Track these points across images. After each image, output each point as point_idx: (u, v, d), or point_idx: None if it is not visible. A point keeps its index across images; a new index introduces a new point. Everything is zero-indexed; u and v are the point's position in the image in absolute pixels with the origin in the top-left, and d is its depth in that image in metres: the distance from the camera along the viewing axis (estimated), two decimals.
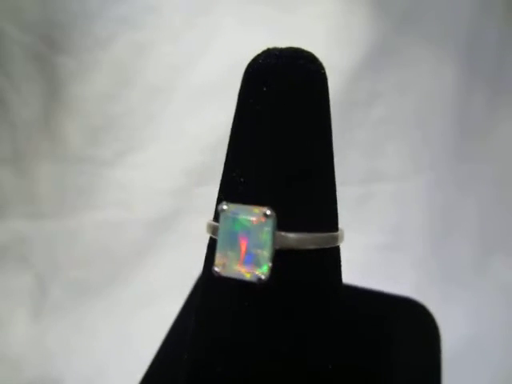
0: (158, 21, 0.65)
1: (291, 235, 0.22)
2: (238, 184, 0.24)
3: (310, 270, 0.24)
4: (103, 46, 0.65)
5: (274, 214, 0.22)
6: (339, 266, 0.26)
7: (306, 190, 0.24)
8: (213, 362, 0.24)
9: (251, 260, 0.22)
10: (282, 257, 0.22)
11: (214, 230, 0.24)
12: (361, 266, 0.70)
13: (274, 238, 0.22)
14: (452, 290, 0.72)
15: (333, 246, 0.25)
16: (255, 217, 0.22)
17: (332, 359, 0.25)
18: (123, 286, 0.69)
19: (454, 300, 0.71)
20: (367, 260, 0.70)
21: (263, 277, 0.21)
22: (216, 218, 0.26)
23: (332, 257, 0.25)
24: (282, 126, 0.24)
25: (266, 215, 0.22)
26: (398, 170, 0.73)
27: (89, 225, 0.68)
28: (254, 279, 0.21)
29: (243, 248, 0.22)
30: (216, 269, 0.22)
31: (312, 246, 0.23)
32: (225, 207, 0.23)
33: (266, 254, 0.21)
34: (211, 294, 0.25)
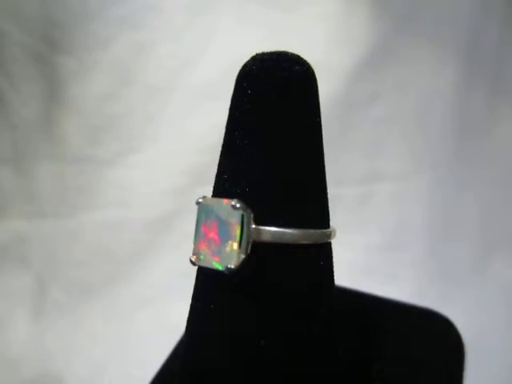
0: (158, 21, 0.65)
1: (266, 229, 0.23)
2: (224, 182, 0.26)
3: (295, 265, 0.24)
4: (103, 46, 0.65)
5: (243, 206, 0.22)
6: (328, 264, 0.26)
7: (294, 189, 0.24)
8: (202, 357, 0.25)
9: (222, 251, 0.23)
10: (266, 250, 0.23)
11: None
12: (361, 266, 0.70)
13: (247, 230, 0.22)
14: (452, 290, 0.72)
15: (316, 242, 0.25)
16: (225, 209, 0.23)
17: (325, 361, 0.25)
18: (123, 286, 0.69)
19: (454, 300, 0.71)
20: (367, 260, 0.70)
21: (232, 266, 0.22)
22: None
23: (320, 254, 0.25)
24: (267, 128, 0.24)
25: (234, 207, 0.22)
26: (398, 169, 0.73)
27: (89, 225, 0.68)
28: (223, 269, 0.22)
29: (215, 239, 0.23)
30: (191, 258, 0.24)
31: (289, 241, 0.23)
32: (200, 200, 0.24)
33: (235, 245, 0.22)
34: (200, 290, 0.27)
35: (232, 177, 0.25)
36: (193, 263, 0.24)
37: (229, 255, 0.22)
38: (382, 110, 0.72)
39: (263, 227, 0.23)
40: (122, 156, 0.68)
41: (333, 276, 0.27)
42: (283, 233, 0.23)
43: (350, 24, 0.68)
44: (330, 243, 0.26)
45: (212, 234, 0.23)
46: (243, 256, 0.22)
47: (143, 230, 0.69)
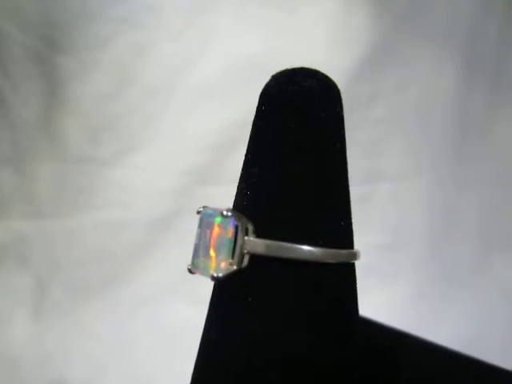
0: (158, 21, 0.65)
1: (259, 241, 0.23)
2: (238, 195, 0.26)
3: (298, 283, 0.23)
4: (103, 46, 0.65)
5: (235, 216, 0.22)
6: (339, 285, 0.25)
7: (307, 203, 0.24)
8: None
9: (212, 258, 0.23)
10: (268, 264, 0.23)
11: None
12: (361, 266, 0.70)
13: (239, 240, 0.22)
14: (452, 290, 0.73)
15: (320, 260, 0.23)
16: (219, 218, 0.23)
17: None
18: (123, 285, 0.69)
19: (454, 300, 0.71)
20: (367, 260, 0.70)
21: (216, 274, 0.22)
22: None
23: (331, 274, 0.24)
24: (275, 145, 0.24)
25: (223, 215, 0.22)
26: (398, 169, 0.73)
27: (89, 225, 0.68)
28: (209, 276, 0.22)
29: (210, 248, 0.23)
30: (188, 266, 0.24)
31: (285, 255, 0.22)
32: (200, 209, 0.25)
33: (224, 253, 0.22)
34: (216, 299, 0.26)
35: (243, 189, 0.25)
36: (190, 271, 0.24)
37: (219, 264, 0.23)
38: (382, 109, 0.72)
39: (258, 239, 0.23)
40: (122, 156, 0.68)
41: (350, 305, 0.25)
42: (279, 246, 0.22)
43: (350, 24, 0.68)
44: (348, 265, 0.25)
45: (207, 243, 0.24)
46: (234, 266, 0.22)
47: (143, 230, 0.69)
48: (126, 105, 0.67)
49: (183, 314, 0.65)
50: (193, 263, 0.24)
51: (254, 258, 0.23)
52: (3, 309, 0.66)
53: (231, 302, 0.24)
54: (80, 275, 0.68)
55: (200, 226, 0.24)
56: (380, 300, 0.69)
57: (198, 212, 0.25)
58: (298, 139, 0.24)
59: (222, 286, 0.25)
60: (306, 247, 0.23)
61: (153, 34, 0.65)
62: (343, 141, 0.26)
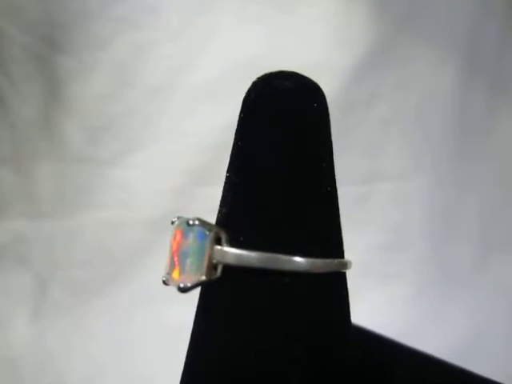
0: (158, 21, 0.65)
1: (230, 250, 0.21)
2: (220, 205, 0.25)
3: (277, 294, 0.22)
4: (103, 46, 0.65)
5: (199, 224, 0.22)
6: (326, 297, 0.24)
7: (283, 212, 0.23)
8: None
9: (180, 269, 0.22)
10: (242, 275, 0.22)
11: None
12: (361, 266, 0.70)
13: (207, 249, 0.21)
14: (452, 289, 0.73)
15: (305, 271, 0.22)
16: (188, 227, 0.22)
17: None
18: (123, 286, 0.69)
19: (454, 300, 0.71)
20: (367, 260, 0.70)
21: (184, 285, 0.21)
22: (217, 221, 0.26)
23: (318, 285, 0.23)
24: (254, 151, 0.24)
25: (188, 224, 0.22)
26: (398, 169, 0.73)
27: (89, 225, 0.68)
28: (176, 286, 0.22)
29: (176, 257, 0.23)
30: (163, 278, 0.24)
31: (255, 265, 0.21)
32: (174, 219, 0.24)
33: (189, 263, 0.22)
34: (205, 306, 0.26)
35: (224, 197, 0.25)
36: (164, 283, 0.23)
37: (185, 275, 0.22)
38: (382, 109, 0.72)
39: (228, 249, 0.22)
40: (122, 156, 0.68)
41: (340, 317, 0.24)
42: (249, 256, 0.21)
43: (350, 24, 0.68)
44: (337, 275, 0.24)
45: (177, 253, 0.23)
46: (203, 277, 0.21)
47: (143, 230, 0.69)
48: (126, 105, 0.67)
49: (183, 314, 0.65)
50: (167, 274, 0.23)
51: (231, 268, 0.22)
52: (3, 309, 0.66)
53: (209, 315, 0.24)
54: (80, 275, 0.68)
55: (173, 235, 0.24)
56: (380, 300, 0.69)
57: (172, 222, 0.24)
58: (277, 146, 0.23)
59: (202, 298, 0.25)
60: (286, 257, 0.21)
61: (153, 34, 0.65)
62: (328, 143, 0.25)
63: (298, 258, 0.22)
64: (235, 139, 0.25)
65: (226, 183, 0.25)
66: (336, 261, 0.24)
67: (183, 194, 0.68)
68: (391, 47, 0.70)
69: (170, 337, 0.66)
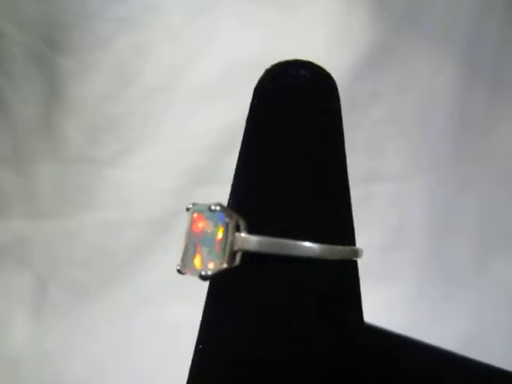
0: (158, 21, 0.65)
1: (251, 237, 0.21)
2: (231, 193, 0.25)
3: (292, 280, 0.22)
4: (103, 46, 0.65)
5: (221, 210, 0.21)
6: (340, 284, 0.24)
7: (298, 199, 0.23)
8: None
9: (201, 256, 0.22)
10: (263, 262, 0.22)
11: None
12: (361, 266, 0.70)
13: (229, 236, 0.21)
14: (452, 289, 0.73)
15: (317, 257, 0.22)
16: (207, 213, 0.22)
17: None
18: (123, 286, 0.69)
19: (454, 300, 0.71)
20: (367, 260, 0.70)
21: (205, 273, 0.21)
22: None
23: (331, 272, 0.23)
24: (270, 139, 0.24)
25: (210, 210, 0.22)
26: (399, 169, 0.73)
27: (89, 225, 0.68)
28: (197, 275, 0.21)
29: (197, 245, 0.22)
30: (177, 266, 0.23)
31: (279, 252, 0.21)
32: (189, 206, 0.24)
33: (212, 251, 0.21)
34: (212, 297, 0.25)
35: (237, 186, 0.25)
36: (179, 272, 0.23)
37: (207, 263, 0.22)
38: (383, 109, 0.72)
39: (250, 235, 0.21)
40: (122, 156, 0.68)
41: (353, 305, 0.24)
42: (272, 242, 0.21)
43: (350, 24, 0.68)
44: (350, 263, 0.24)
45: (195, 240, 0.22)
46: (224, 265, 0.21)
47: (143, 230, 0.69)
48: (125, 105, 0.67)
49: (183, 313, 0.65)
50: (182, 263, 0.23)
51: (249, 256, 0.22)
52: (3, 309, 0.66)
53: (224, 302, 0.24)
54: (80, 275, 0.68)
55: (189, 222, 0.23)
56: (380, 300, 0.69)
57: (188, 209, 0.24)
58: (291, 132, 0.23)
59: (215, 286, 0.25)
60: (303, 243, 0.22)
61: (153, 33, 0.65)
62: (340, 132, 0.25)
63: (311, 244, 0.22)
64: (248, 126, 0.25)
65: (237, 173, 0.25)
66: (347, 248, 0.24)
67: (183, 194, 0.68)
68: (391, 47, 0.70)
69: (170, 337, 0.66)
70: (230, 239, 0.21)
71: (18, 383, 0.61)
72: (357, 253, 0.24)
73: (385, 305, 0.70)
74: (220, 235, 0.21)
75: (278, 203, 0.23)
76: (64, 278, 0.68)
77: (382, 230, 0.73)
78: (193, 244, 0.23)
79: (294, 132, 0.23)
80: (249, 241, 0.21)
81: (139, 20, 0.65)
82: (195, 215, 0.23)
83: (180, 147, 0.68)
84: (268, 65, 0.26)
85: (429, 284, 0.73)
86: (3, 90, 0.65)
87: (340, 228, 0.24)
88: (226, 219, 0.21)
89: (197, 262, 0.22)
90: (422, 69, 0.72)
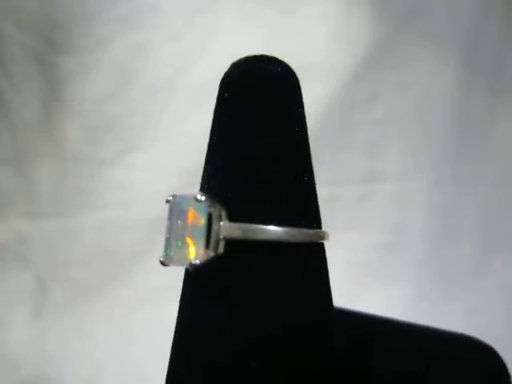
0: (158, 21, 0.65)
1: (235, 225, 0.22)
2: (203, 182, 0.26)
3: (275, 265, 0.23)
4: (103, 46, 0.65)
5: (208, 200, 0.22)
6: (311, 267, 0.25)
7: (271, 187, 0.24)
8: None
9: (187, 246, 0.22)
10: (246, 249, 0.22)
11: None
12: (361, 266, 0.70)
13: (214, 225, 0.22)
14: (452, 289, 0.73)
15: (292, 241, 0.23)
16: (190, 203, 0.22)
17: None
18: (123, 286, 0.69)
19: (454, 300, 0.71)
20: (367, 260, 0.70)
21: (193, 262, 0.21)
22: None
23: (302, 255, 0.24)
24: (241, 129, 0.25)
25: (196, 200, 0.22)
26: (398, 169, 0.74)
27: (89, 225, 0.68)
28: (187, 265, 0.22)
29: (185, 235, 0.22)
30: (160, 258, 0.23)
31: (261, 237, 0.22)
32: (169, 198, 0.24)
33: (201, 240, 0.21)
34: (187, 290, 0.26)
35: (208, 174, 0.25)
36: (162, 263, 0.23)
37: (191, 250, 0.22)
38: (382, 109, 0.72)
39: (233, 223, 0.22)
40: (121, 156, 0.68)
41: (323, 286, 0.25)
42: (252, 229, 0.22)
43: (350, 24, 0.68)
44: (316, 244, 0.25)
45: (181, 231, 0.23)
46: (211, 253, 0.21)
47: (143, 230, 0.69)
48: (125, 105, 0.67)
49: None
50: (166, 255, 0.23)
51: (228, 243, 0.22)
52: (3, 309, 0.66)
53: (208, 291, 0.24)
54: (80, 275, 0.68)
55: (170, 216, 0.24)
56: (380, 299, 0.69)
57: (167, 201, 0.24)
58: (262, 123, 0.24)
59: (194, 276, 0.25)
60: (273, 228, 0.22)
61: (153, 34, 0.66)
62: (304, 125, 0.26)
63: (285, 229, 0.23)
64: (219, 117, 0.26)
65: (209, 158, 0.26)
66: (311, 231, 0.24)
67: None
68: (391, 47, 0.70)
69: (170, 337, 0.66)
70: (215, 228, 0.22)
71: (19, 383, 0.61)
72: (323, 235, 0.25)
73: (385, 304, 0.70)
74: (206, 224, 0.22)
75: (246, 191, 0.24)
76: (64, 278, 0.68)
77: (381, 229, 0.73)
78: (179, 235, 0.23)
79: (262, 123, 0.24)
80: (233, 228, 0.22)
81: (139, 20, 0.65)
82: (180, 207, 0.23)
83: (180, 147, 0.68)
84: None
85: (429, 284, 0.73)
86: (3, 90, 0.65)
87: (306, 212, 0.25)
88: (210, 209, 0.22)
89: (186, 252, 0.22)
90: (421, 69, 0.72)
